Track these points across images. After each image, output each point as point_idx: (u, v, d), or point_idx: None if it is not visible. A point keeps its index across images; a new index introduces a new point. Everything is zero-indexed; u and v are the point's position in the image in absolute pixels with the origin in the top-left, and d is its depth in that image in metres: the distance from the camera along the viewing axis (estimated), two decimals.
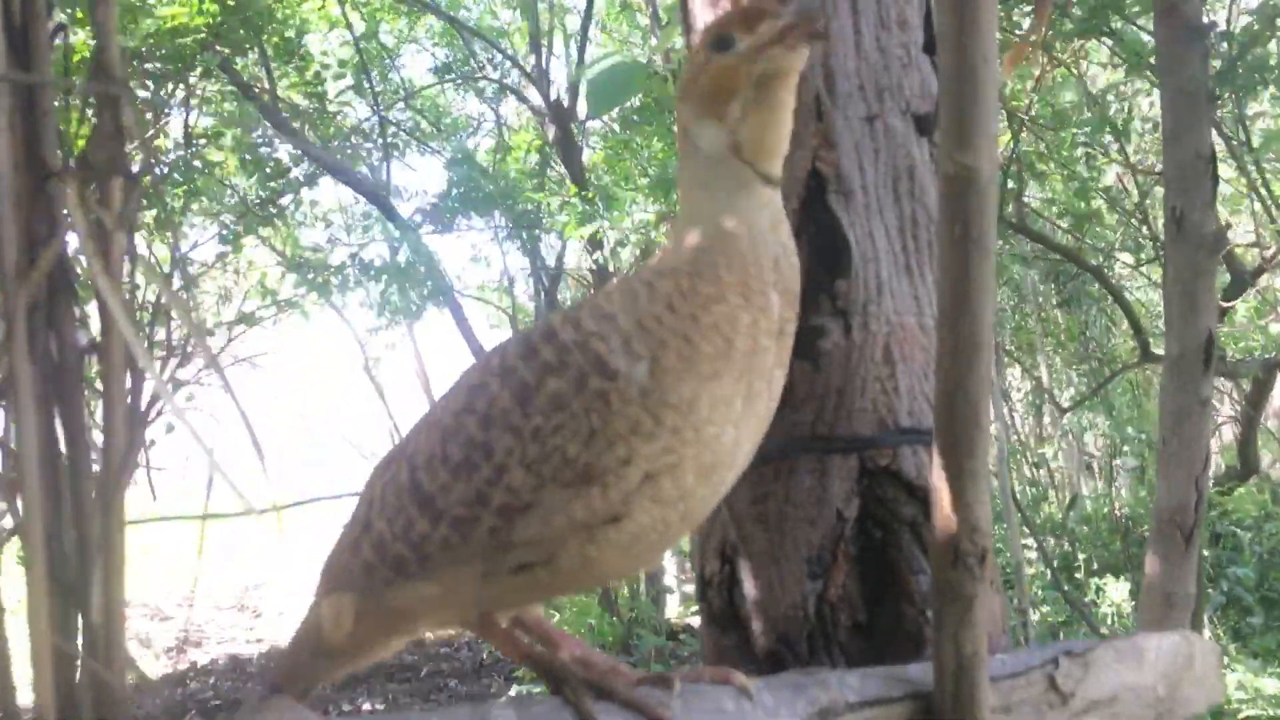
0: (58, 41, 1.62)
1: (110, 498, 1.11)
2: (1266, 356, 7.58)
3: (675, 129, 1.26)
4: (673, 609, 8.85)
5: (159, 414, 7.30)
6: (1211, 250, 4.56)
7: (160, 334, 7.40)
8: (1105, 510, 9.76)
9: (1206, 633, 6.86)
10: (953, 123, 1.07)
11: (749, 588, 1.50)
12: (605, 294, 1.17)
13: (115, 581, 1.10)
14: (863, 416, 1.46)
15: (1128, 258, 9.07)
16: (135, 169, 1.41)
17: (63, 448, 1.20)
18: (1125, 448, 10.12)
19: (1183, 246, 4.60)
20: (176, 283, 7.51)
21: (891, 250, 1.50)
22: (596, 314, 1.13)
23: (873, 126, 1.51)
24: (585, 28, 8.51)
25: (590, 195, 7.31)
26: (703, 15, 1.69)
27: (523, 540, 1.12)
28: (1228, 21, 5.74)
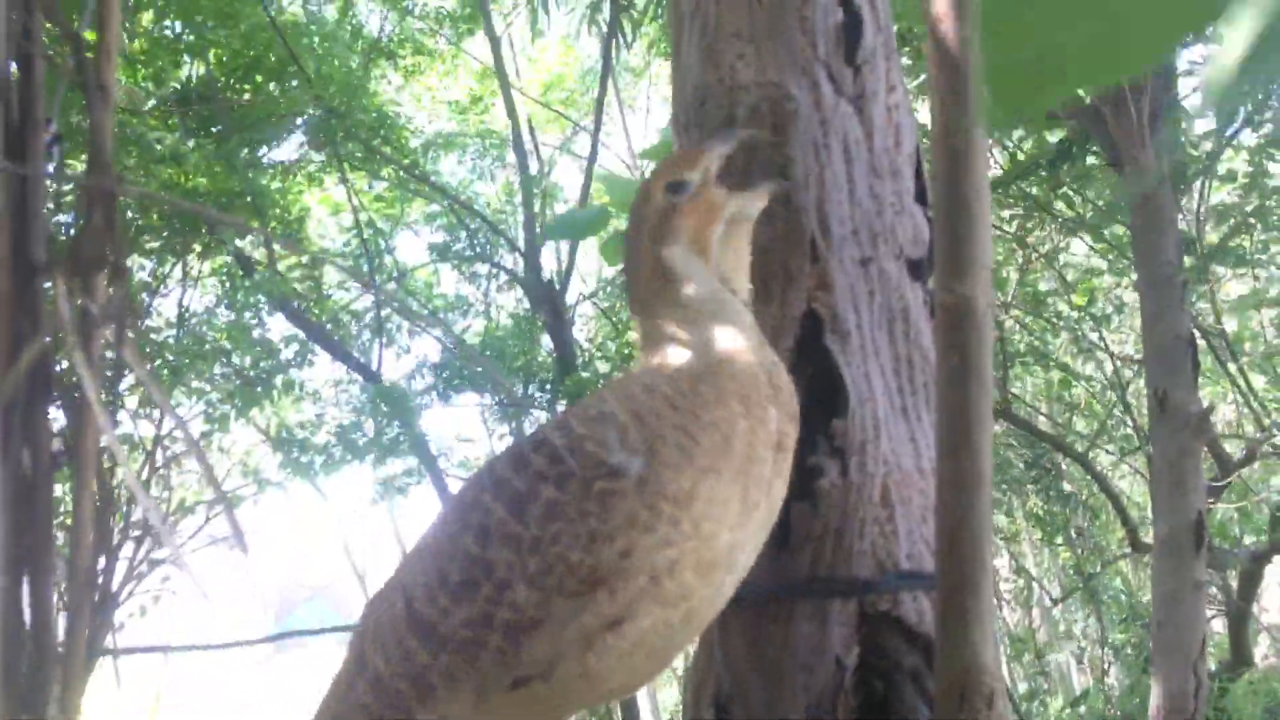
0: (54, 149, 1.67)
1: (76, 611, 1.06)
2: (1252, 547, 7.50)
3: (629, 265, 1.32)
4: None
5: (130, 595, 7.15)
6: (1196, 430, 4.62)
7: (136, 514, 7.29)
8: (1100, 704, 9.47)
9: None
10: (948, 253, 1.10)
11: None
12: (596, 397, 1.20)
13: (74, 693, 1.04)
14: (862, 559, 1.43)
15: (1112, 447, 9.13)
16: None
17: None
18: (1121, 636, 9.92)
19: (1167, 426, 4.67)
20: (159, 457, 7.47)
21: (888, 391, 1.50)
22: (587, 417, 1.15)
23: (867, 270, 1.53)
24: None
25: (576, 380, 7.38)
26: None
27: (530, 660, 1.09)
28: (1197, 213, 5.97)
